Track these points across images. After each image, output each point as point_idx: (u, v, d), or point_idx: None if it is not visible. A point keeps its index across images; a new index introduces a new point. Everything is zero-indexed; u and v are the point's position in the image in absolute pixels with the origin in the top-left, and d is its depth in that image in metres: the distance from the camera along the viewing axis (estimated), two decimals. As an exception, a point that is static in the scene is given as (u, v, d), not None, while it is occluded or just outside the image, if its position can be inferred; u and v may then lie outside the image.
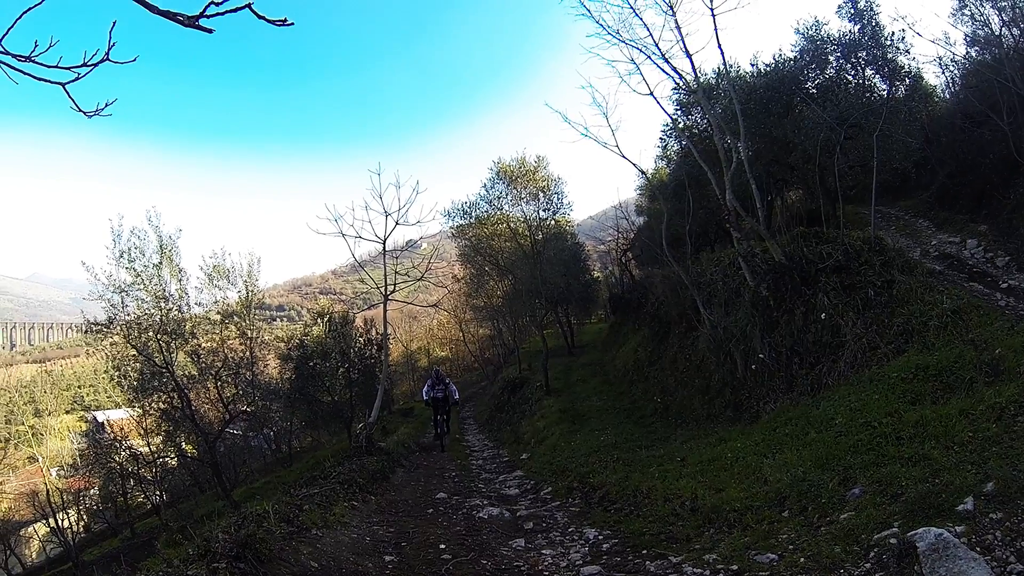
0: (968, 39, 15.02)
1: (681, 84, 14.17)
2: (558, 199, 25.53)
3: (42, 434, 48.26)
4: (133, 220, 35.24)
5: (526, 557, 4.45)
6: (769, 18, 22.02)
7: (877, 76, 14.01)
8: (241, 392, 19.68)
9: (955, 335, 6.74)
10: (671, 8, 11.89)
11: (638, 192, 28.43)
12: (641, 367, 16.72)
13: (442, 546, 4.79)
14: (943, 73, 16.90)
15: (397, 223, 12.55)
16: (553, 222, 26.04)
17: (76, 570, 17.06)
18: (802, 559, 3.17)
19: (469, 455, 13.26)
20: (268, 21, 1.94)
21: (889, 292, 8.54)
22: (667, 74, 12.93)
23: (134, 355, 16.57)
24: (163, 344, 16.02)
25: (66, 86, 2.07)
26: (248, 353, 21.16)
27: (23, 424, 64.33)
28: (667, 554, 3.98)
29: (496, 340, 36.74)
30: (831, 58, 14.20)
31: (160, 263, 16.71)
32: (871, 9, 13.68)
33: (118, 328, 16.24)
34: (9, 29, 1.92)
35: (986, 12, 14.03)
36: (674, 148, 19.58)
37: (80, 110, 2.16)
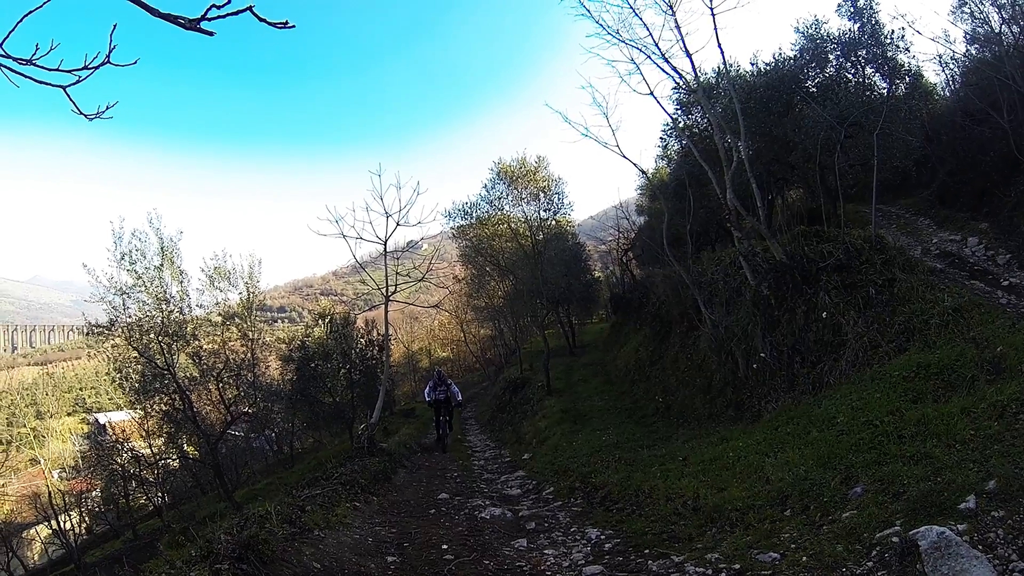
0: (968, 37, 15.01)
1: (681, 84, 14.17)
2: (559, 199, 25.56)
3: (44, 436, 48.36)
4: (134, 222, 35.33)
5: (528, 557, 4.45)
6: (769, 17, 22.01)
7: (877, 74, 14.00)
8: (243, 393, 19.69)
9: (956, 333, 6.73)
10: (670, 8, 11.89)
11: (639, 192, 28.47)
12: (642, 367, 16.71)
13: (444, 546, 4.79)
14: (943, 71, 16.92)
15: (398, 224, 12.54)
16: (554, 222, 26.04)
17: (78, 572, 17.09)
18: (804, 558, 3.17)
19: (471, 455, 13.25)
20: (269, 24, 1.94)
21: (890, 290, 8.53)
22: (667, 74, 12.94)
23: (135, 357, 16.58)
24: (164, 346, 16.04)
25: (67, 89, 2.08)
26: (249, 354, 21.18)
27: (25, 426, 64.36)
28: (669, 553, 3.98)
29: (497, 340, 36.75)
30: (831, 57, 14.20)
31: (161, 265, 16.73)
32: (871, 7, 13.67)
33: (119, 330, 16.26)
34: (10, 32, 1.93)
35: (986, 9, 14.03)
36: (674, 147, 19.59)
37: (81, 113, 2.17)
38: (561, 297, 23.92)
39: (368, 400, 20.31)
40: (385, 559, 4.45)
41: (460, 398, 12.99)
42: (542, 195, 25.26)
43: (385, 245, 12.58)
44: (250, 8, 1.87)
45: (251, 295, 22.49)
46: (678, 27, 11.93)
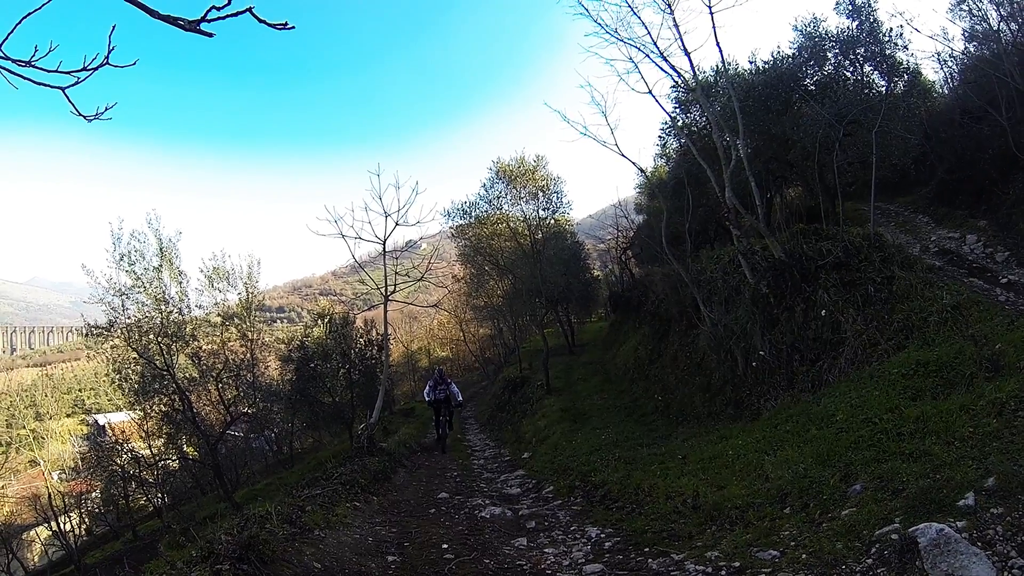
0: (966, 34, 15.04)
1: (680, 82, 14.17)
2: (557, 198, 25.52)
3: (43, 438, 48.35)
4: (133, 223, 35.12)
5: (528, 556, 4.45)
6: (767, 15, 21.99)
7: (875, 72, 14.01)
8: (242, 394, 19.69)
9: (955, 331, 6.75)
10: (669, 6, 11.90)
11: (637, 190, 28.49)
12: (642, 365, 16.73)
13: (444, 546, 4.80)
14: (941, 69, 16.96)
15: (397, 224, 12.54)
16: (553, 221, 26.02)
17: (78, 573, 17.09)
18: (804, 555, 3.17)
19: (471, 455, 13.27)
20: (269, 25, 1.94)
21: (889, 288, 8.55)
22: (665, 72, 12.96)
23: (135, 358, 16.57)
24: (164, 347, 16.03)
25: (66, 90, 2.08)
26: (249, 355, 21.17)
27: (24, 428, 64.29)
28: (669, 551, 3.98)
29: (496, 339, 36.77)
30: (829, 55, 14.19)
31: (160, 266, 16.73)
32: (869, 5, 13.67)
33: (119, 331, 16.25)
34: (9, 34, 1.93)
35: (984, 7, 14.06)
36: (673, 146, 19.59)
37: (80, 114, 2.16)
38: (560, 296, 23.91)
39: (367, 400, 20.29)
40: (385, 559, 4.46)
41: (460, 398, 12.95)
42: (541, 194, 25.23)
43: (384, 245, 12.58)
44: (250, 9, 1.87)
45: (250, 295, 22.49)
46: (676, 26, 11.95)
